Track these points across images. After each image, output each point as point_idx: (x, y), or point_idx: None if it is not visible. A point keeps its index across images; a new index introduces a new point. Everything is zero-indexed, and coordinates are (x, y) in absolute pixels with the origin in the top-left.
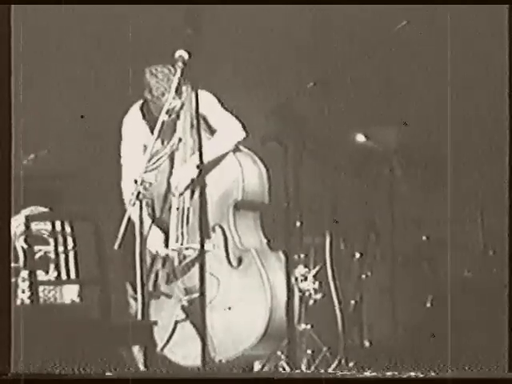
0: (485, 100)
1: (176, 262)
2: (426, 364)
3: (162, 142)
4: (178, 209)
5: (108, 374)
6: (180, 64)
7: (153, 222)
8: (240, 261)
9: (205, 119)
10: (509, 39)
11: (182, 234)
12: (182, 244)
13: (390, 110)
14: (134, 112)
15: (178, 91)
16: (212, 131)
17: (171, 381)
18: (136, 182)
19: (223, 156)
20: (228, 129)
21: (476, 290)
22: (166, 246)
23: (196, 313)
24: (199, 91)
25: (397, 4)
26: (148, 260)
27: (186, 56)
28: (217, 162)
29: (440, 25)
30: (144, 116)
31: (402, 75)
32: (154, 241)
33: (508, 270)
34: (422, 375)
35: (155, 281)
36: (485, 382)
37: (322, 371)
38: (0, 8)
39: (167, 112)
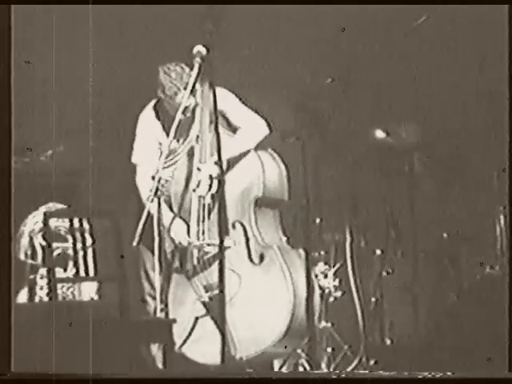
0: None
1: (196, 258)
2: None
3: (178, 141)
4: (198, 204)
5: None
6: (198, 60)
7: (174, 216)
8: (262, 258)
9: (224, 116)
10: (509, 39)
11: (203, 230)
12: (202, 240)
13: (409, 106)
14: (148, 111)
15: (192, 89)
16: (233, 128)
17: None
18: (153, 178)
19: (246, 153)
20: (252, 126)
21: (499, 287)
22: (189, 235)
23: (217, 309)
24: (217, 88)
25: (397, 4)
26: (167, 257)
27: (204, 52)
28: (239, 158)
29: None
30: (157, 115)
31: (422, 71)
32: (177, 231)
33: (508, 269)
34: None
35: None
36: (485, 382)
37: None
38: (0, 8)
39: (183, 111)
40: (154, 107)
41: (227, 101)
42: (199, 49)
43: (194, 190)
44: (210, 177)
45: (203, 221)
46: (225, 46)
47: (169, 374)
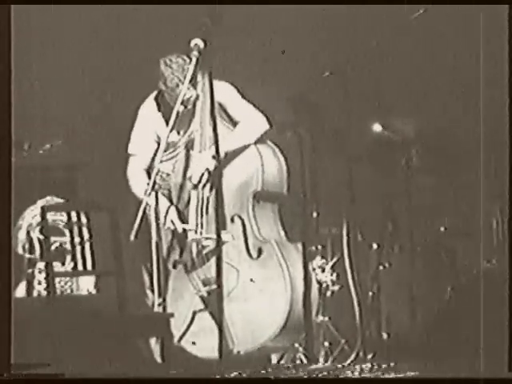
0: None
1: (194, 252)
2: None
3: (178, 133)
4: (197, 199)
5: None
6: (195, 53)
7: (171, 204)
8: (260, 252)
9: (224, 109)
10: (509, 39)
11: (202, 223)
12: (201, 234)
13: (407, 99)
14: (149, 103)
15: (193, 81)
16: (233, 122)
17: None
18: (149, 172)
19: (245, 147)
20: (252, 121)
21: (497, 281)
22: (183, 222)
23: (215, 304)
24: (218, 81)
25: (398, 4)
26: (165, 250)
27: (201, 45)
28: (238, 152)
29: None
30: (159, 107)
31: (421, 65)
32: (172, 217)
33: (508, 268)
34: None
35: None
36: (485, 382)
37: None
38: (0, 8)
39: (183, 102)
40: (156, 99)
41: (228, 94)
42: (196, 42)
43: (199, 184)
44: (207, 170)
45: (202, 215)
46: (223, 39)
47: (169, 374)
